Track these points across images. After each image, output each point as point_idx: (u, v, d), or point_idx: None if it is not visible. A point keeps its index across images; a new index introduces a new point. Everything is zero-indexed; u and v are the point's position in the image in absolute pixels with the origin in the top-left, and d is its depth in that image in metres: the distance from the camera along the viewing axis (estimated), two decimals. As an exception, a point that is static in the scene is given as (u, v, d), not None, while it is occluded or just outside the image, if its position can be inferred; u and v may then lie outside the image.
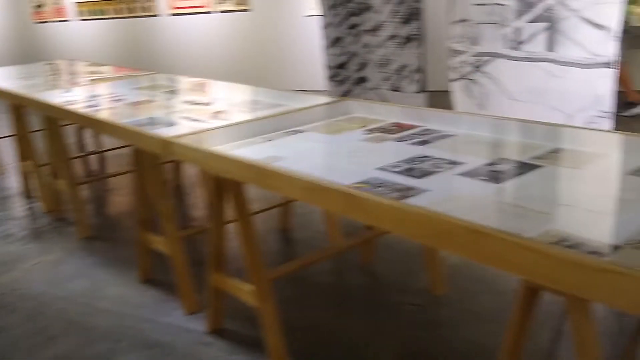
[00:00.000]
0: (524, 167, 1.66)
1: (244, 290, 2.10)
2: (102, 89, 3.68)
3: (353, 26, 4.93)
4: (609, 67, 3.26)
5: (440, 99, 4.49)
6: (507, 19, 3.67)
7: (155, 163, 2.48)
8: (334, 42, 5.17)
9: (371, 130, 2.21)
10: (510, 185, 1.54)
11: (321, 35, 5.32)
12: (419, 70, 4.46)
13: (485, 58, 3.89)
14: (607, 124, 3.35)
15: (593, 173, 1.58)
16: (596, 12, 3.25)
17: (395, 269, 2.77)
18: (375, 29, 4.71)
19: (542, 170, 1.63)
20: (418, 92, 4.54)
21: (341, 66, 5.19)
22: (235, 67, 7.90)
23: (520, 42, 3.65)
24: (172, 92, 3.43)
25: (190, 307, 2.53)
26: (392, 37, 4.58)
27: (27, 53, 10.62)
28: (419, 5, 4.35)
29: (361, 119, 2.40)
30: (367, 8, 4.73)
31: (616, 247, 1.13)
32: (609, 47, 3.25)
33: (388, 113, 2.42)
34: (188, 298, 2.53)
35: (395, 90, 4.70)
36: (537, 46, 3.56)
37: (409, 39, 4.45)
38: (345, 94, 5.22)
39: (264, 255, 2.10)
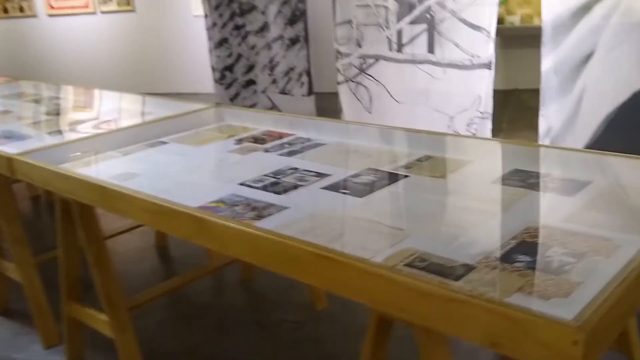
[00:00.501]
0: (390, 178, 1.58)
1: (100, 321, 1.89)
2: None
3: (238, 27, 4.77)
4: (488, 68, 3.30)
5: (330, 101, 4.42)
6: (389, 20, 3.64)
7: (1, 182, 2.21)
8: (220, 43, 4.99)
9: (240, 140, 2.07)
10: (372, 199, 1.44)
11: (207, 36, 5.12)
12: (306, 72, 4.37)
13: (370, 60, 3.86)
14: (487, 124, 3.39)
15: (458, 182, 1.52)
16: (473, 13, 3.28)
17: (276, 283, 2.64)
18: (261, 30, 4.57)
19: (407, 180, 1.55)
20: (307, 95, 4.44)
21: (228, 68, 5.02)
22: (119, 71, 7.51)
23: (403, 44, 3.63)
24: (37, 101, 3.14)
25: (50, 339, 2.28)
26: (278, 38, 4.46)
27: None
28: (303, 6, 4.26)
29: (232, 128, 2.26)
30: (251, 8, 4.58)
31: (471, 268, 1.05)
32: (487, 48, 3.28)
33: (261, 120, 2.28)
34: (47, 330, 2.28)
35: (284, 94, 4.59)
36: (418, 48, 3.55)
37: (295, 41, 4.35)
38: (234, 98, 5.05)
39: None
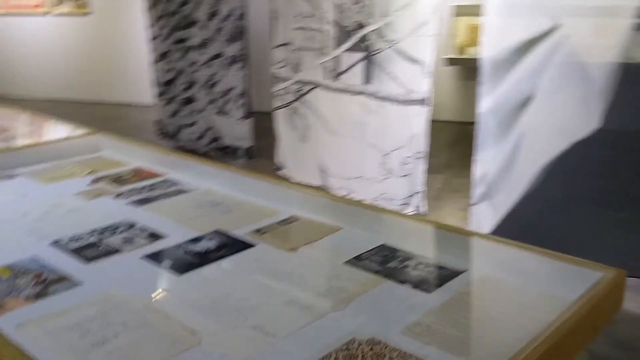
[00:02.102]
0: (231, 247, 1.30)
1: None
2: None
3: (179, 41, 4.49)
4: (423, 105, 3.05)
5: (268, 122, 4.16)
6: (327, 46, 3.39)
7: None
8: (162, 56, 4.71)
9: (97, 180, 1.78)
10: (190, 279, 1.16)
11: (149, 48, 4.84)
12: (244, 94, 4.10)
13: (307, 87, 3.60)
14: (421, 165, 3.14)
15: (305, 259, 1.25)
16: (410, 44, 3.03)
17: None
18: (201, 46, 4.30)
19: (247, 253, 1.27)
20: (243, 119, 4.17)
21: (168, 83, 4.74)
22: (67, 77, 7.19)
23: (339, 72, 3.38)
24: None
25: None
26: (218, 55, 4.19)
27: None
28: (243, 23, 3.99)
29: (102, 161, 1.97)
30: (192, 23, 4.31)
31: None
32: (423, 83, 3.03)
33: (139, 155, 2.00)
34: None
35: (222, 114, 4.31)
36: (354, 78, 3.30)
37: (234, 60, 4.08)
38: (173, 115, 4.77)
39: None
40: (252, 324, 1.00)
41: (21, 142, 2.20)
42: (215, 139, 4.47)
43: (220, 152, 4.47)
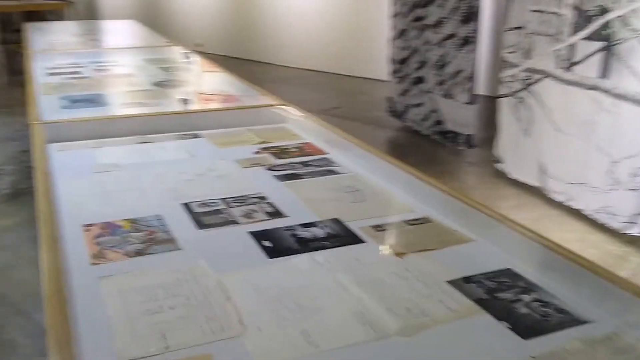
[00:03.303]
0: (342, 239, 1.21)
1: None
2: (104, 56, 3.55)
3: (417, 19, 4.40)
4: (670, 109, 2.54)
5: (493, 110, 3.87)
6: (563, 32, 3.01)
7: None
8: (400, 34, 4.67)
9: (263, 150, 1.82)
10: (280, 265, 1.10)
11: (389, 25, 4.83)
12: (471, 78, 3.87)
13: (536, 76, 3.25)
14: (655, 180, 2.64)
15: (407, 269, 1.10)
16: (663, 36, 2.54)
17: None
18: (436, 25, 4.15)
19: (353, 248, 1.17)
20: (468, 103, 3.94)
21: (403, 61, 4.69)
22: (320, 48, 7.56)
23: (573, 63, 2.98)
24: (167, 69, 3.20)
25: None
26: (451, 36, 4.00)
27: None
28: (478, 3, 3.74)
29: (279, 133, 2.01)
30: (431, 1, 4.18)
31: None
32: (674, 84, 2.53)
33: (315, 131, 1.99)
34: None
35: (448, 97, 4.14)
36: (589, 70, 2.89)
37: (466, 41, 3.86)
38: (403, 93, 4.72)
39: None
40: (303, 327, 0.91)
41: (220, 105, 2.35)
42: (438, 122, 4.32)
43: (441, 137, 4.31)
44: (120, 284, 1.03)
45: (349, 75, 7.35)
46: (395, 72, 4.80)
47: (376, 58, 6.35)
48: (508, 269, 1.09)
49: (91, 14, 12.40)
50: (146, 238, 1.21)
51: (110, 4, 12.20)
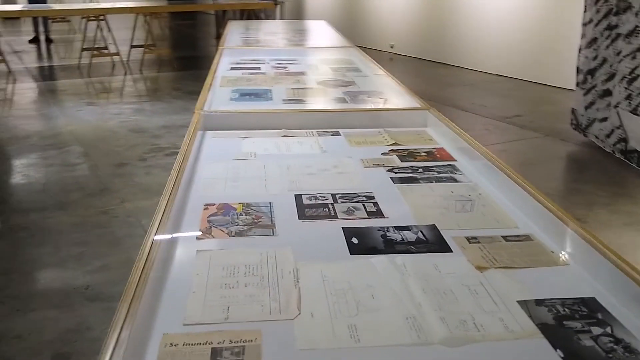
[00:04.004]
0: (430, 246, 1.22)
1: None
2: (286, 54, 3.80)
3: (610, 27, 4.07)
4: None
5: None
6: None
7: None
8: (590, 43, 4.36)
9: (392, 151, 1.86)
10: (359, 262, 1.15)
11: (580, 32, 4.53)
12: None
13: None
14: None
15: (481, 283, 1.08)
16: None
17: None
18: (629, 34, 3.81)
19: (439, 256, 1.18)
20: (657, 122, 3.57)
21: (591, 72, 4.37)
22: (508, 54, 7.24)
23: None
24: (337, 69, 3.35)
25: None
26: (646, 47, 3.64)
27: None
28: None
29: (415, 136, 2.03)
30: (627, 8, 3.83)
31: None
32: None
33: (451, 137, 1.98)
34: None
35: (635, 114, 3.78)
36: None
37: (662, 53, 3.49)
38: (589, 106, 4.41)
39: None
40: (352, 322, 0.95)
41: (368, 106, 2.43)
42: (622, 139, 3.96)
43: (623, 155, 3.95)
44: (212, 258, 1.16)
45: (538, 83, 7.00)
46: (581, 82, 4.49)
47: (568, 66, 5.97)
48: (592, 298, 1.03)
49: (298, 14, 13.21)
50: (251, 221, 1.33)
51: (314, 5, 12.89)
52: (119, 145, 4.95)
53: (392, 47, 10.04)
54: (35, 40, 11.47)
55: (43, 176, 4.21)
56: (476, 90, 6.89)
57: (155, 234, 1.15)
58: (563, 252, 1.20)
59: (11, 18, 14.51)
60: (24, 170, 4.38)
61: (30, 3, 10.63)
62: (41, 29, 11.57)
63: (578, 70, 4.53)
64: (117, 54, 8.68)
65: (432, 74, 7.93)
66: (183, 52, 10.55)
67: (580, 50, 4.47)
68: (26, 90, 7.30)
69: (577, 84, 4.55)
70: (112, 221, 3.46)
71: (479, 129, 5.19)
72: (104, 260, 2.97)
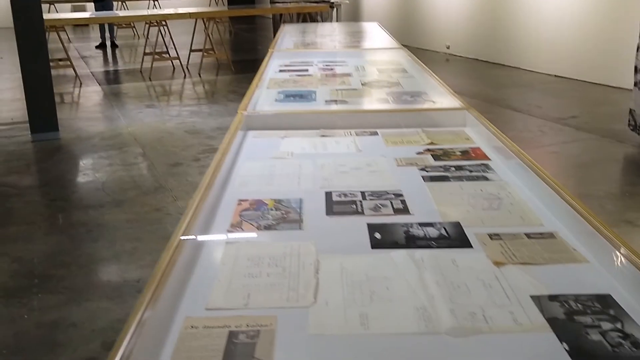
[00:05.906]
0: (451, 241, 1.25)
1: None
2: (334, 56, 3.85)
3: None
4: None
5: None
6: None
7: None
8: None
9: (426, 150, 1.88)
10: (378, 256, 1.19)
11: (639, 31, 4.39)
12: None
13: None
14: None
15: (497, 278, 1.10)
16: None
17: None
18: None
19: (458, 252, 1.20)
20: None
21: (649, 72, 4.23)
22: (568, 54, 7.06)
23: None
24: (383, 71, 3.38)
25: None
26: None
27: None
28: None
29: (452, 136, 2.05)
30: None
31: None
32: None
33: (487, 137, 1.99)
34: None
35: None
36: None
37: None
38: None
39: None
40: (364, 311, 0.99)
41: (411, 106, 2.45)
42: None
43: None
44: (239, 249, 1.22)
45: (595, 83, 6.80)
46: (638, 83, 4.35)
47: (627, 65, 5.79)
48: (608, 294, 1.03)
49: (354, 17, 13.26)
50: (280, 217, 1.39)
51: (370, 8, 12.91)
52: (175, 145, 5.13)
53: (448, 47, 9.95)
54: (101, 46, 11.96)
55: (103, 175, 4.42)
56: (532, 91, 6.76)
57: (186, 226, 1.22)
58: (585, 250, 1.20)
59: (80, 25, 15.17)
60: (85, 169, 4.60)
61: (97, 10, 11.11)
62: (107, 35, 12.06)
63: (636, 70, 4.40)
64: (177, 58, 8.96)
65: (488, 75, 7.82)
66: (241, 56, 10.79)
67: (638, 49, 4.33)
68: (91, 93, 7.64)
69: (635, 84, 4.41)
70: (165, 218, 3.60)
71: (534, 130, 5.10)
72: (156, 255, 3.10)
